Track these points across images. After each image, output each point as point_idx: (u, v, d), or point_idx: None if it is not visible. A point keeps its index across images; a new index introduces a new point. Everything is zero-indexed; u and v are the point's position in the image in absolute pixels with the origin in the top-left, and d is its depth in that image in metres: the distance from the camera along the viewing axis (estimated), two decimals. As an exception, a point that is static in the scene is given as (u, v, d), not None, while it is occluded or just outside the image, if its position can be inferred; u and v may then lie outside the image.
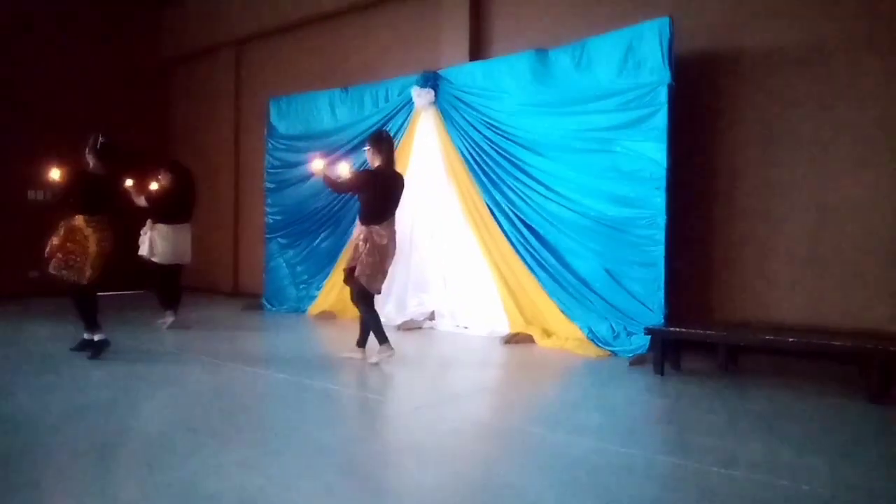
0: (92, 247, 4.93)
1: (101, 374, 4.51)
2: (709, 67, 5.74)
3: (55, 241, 4.91)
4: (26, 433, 3.20)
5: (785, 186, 5.42)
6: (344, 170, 5.26)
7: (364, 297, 4.98)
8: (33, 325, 6.76)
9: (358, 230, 5.00)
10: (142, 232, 6.58)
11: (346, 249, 4.99)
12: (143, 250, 6.53)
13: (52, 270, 4.89)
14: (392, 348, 4.89)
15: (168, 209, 6.50)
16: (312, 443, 3.15)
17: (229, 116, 10.41)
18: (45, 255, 4.92)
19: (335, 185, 5.17)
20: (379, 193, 4.95)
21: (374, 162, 4.99)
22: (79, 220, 4.95)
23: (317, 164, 5.15)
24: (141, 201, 6.46)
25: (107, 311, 5.53)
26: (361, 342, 5.12)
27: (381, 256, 4.88)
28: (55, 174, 5.15)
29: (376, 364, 4.89)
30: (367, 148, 5.06)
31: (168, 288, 6.77)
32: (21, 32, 9.45)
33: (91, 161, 5.09)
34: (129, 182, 6.24)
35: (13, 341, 5.87)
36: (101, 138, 5.09)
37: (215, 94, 10.64)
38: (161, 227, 6.49)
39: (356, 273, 4.86)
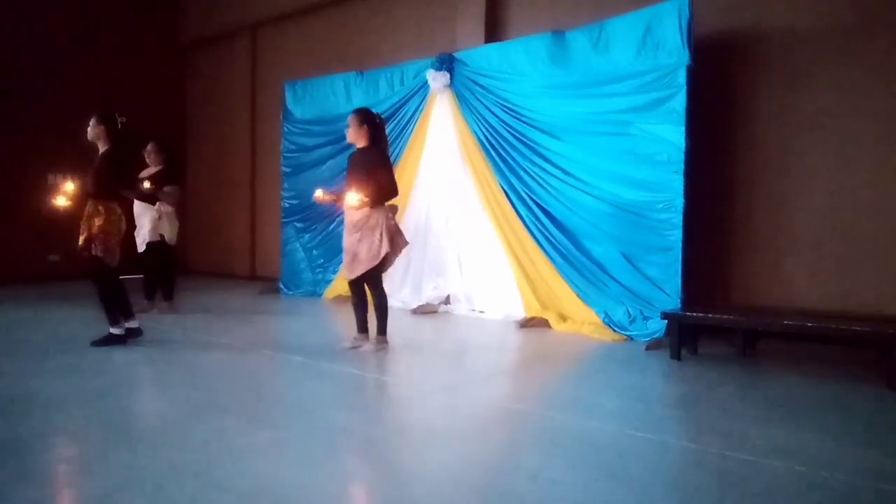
0: (124, 227, 4.90)
1: (119, 357, 4.57)
2: (728, 48, 5.65)
3: (98, 221, 4.72)
4: (47, 414, 3.26)
5: (804, 169, 5.34)
6: (353, 199, 4.63)
7: (381, 278, 4.94)
8: (53, 308, 6.85)
9: (381, 211, 4.71)
10: (141, 215, 6.42)
11: (373, 235, 4.69)
12: (153, 235, 6.37)
13: (97, 253, 4.71)
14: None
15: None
16: (329, 425, 3.18)
17: (245, 100, 10.44)
18: (87, 237, 4.73)
19: (384, 193, 4.72)
20: (392, 170, 4.91)
21: (360, 141, 4.80)
22: (112, 202, 4.83)
23: (352, 199, 4.59)
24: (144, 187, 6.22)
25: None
26: (382, 329, 4.96)
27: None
28: (69, 187, 4.94)
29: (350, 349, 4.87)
30: (358, 125, 4.77)
31: (172, 272, 6.70)
32: (39, 16, 9.51)
33: (107, 139, 4.88)
34: (147, 184, 6.12)
35: (34, 324, 5.96)
36: (121, 117, 4.94)
37: (232, 78, 10.66)
38: (169, 208, 6.44)
39: (393, 256, 4.81)
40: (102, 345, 4.81)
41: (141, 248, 6.46)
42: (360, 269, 4.76)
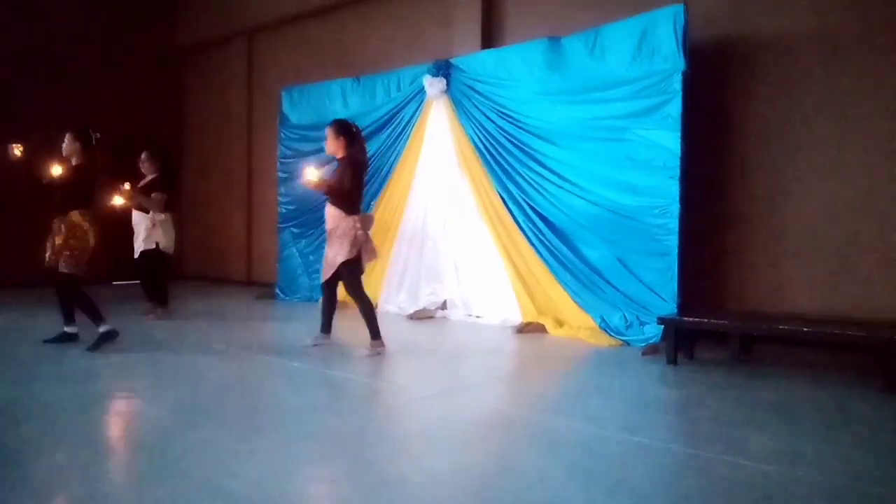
0: (92, 240, 4.96)
1: (115, 363, 4.56)
2: (723, 54, 5.68)
3: (59, 240, 4.87)
4: (41, 422, 3.24)
5: (800, 174, 5.37)
6: (313, 174, 4.78)
7: (360, 285, 5.01)
8: (47, 315, 6.82)
9: (348, 221, 4.81)
10: (138, 224, 6.44)
11: (338, 244, 4.83)
12: (148, 243, 6.37)
13: (64, 269, 4.84)
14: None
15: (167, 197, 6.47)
16: (326, 430, 3.17)
17: (242, 106, 10.45)
18: (50, 256, 4.88)
19: (343, 194, 4.83)
20: (360, 181, 5.03)
21: (339, 152, 4.94)
22: (75, 215, 4.90)
23: (311, 174, 4.72)
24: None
25: (115, 302, 5.53)
26: (374, 333, 4.94)
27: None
28: (56, 170, 5.00)
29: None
30: (335, 137, 4.91)
31: (163, 279, 6.71)
32: (36, 22, 9.51)
33: (80, 154, 5.00)
34: (126, 185, 6.12)
35: (27, 330, 5.93)
36: (95, 132, 5.07)
37: (228, 83, 10.67)
38: (164, 216, 6.45)
39: (364, 261, 4.92)
40: (97, 348, 4.83)
41: (136, 254, 6.47)
42: (325, 274, 4.92)
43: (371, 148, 7.54)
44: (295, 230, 8.41)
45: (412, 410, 3.76)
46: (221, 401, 3.76)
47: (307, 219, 8.25)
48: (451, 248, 6.96)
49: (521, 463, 2.83)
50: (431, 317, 6.85)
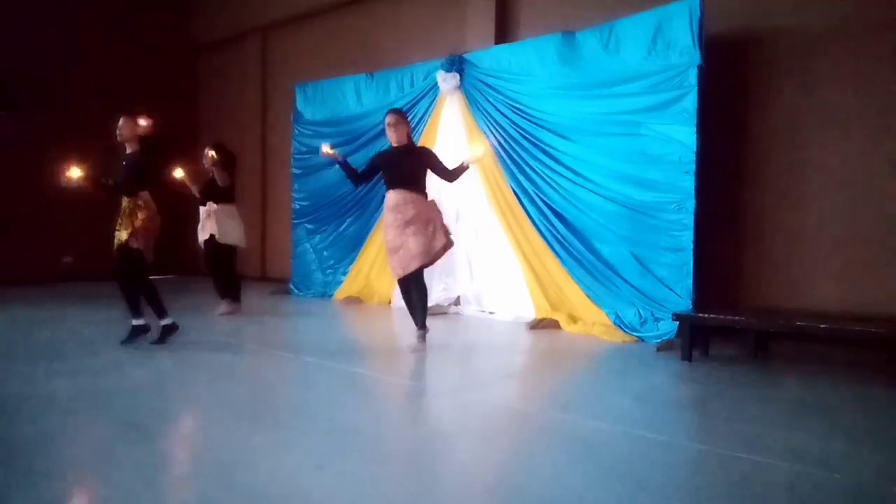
0: (159, 224, 4.94)
1: (137, 358, 4.60)
2: (740, 47, 5.63)
3: (140, 215, 4.79)
4: (60, 415, 3.28)
5: (816, 168, 5.31)
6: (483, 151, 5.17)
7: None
8: (69, 309, 6.91)
9: (433, 204, 5.06)
10: (205, 216, 6.53)
11: (434, 227, 4.95)
12: (202, 234, 6.50)
13: (137, 245, 4.78)
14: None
15: (232, 189, 6.57)
16: (342, 426, 3.18)
17: (256, 102, 10.50)
18: (129, 234, 4.77)
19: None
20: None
21: (405, 139, 5.04)
22: (146, 195, 4.88)
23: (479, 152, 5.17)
24: (195, 190, 6.49)
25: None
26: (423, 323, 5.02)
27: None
28: (76, 173, 4.91)
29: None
30: (408, 123, 5.11)
31: (229, 273, 6.76)
32: (51, 18, 9.59)
33: (139, 142, 4.97)
34: (180, 173, 6.19)
35: (51, 325, 6.01)
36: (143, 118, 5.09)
37: (242, 79, 10.72)
38: (228, 207, 6.53)
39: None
40: (163, 341, 4.94)
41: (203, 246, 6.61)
42: (412, 266, 4.83)
43: (385, 144, 7.56)
44: (309, 226, 8.45)
45: (427, 407, 3.77)
46: (237, 396, 3.78)
47: (321, 215, 8.29)
48: (464, 243, 6.95)
49: (535, 459, 2.82)
50: (444, 313, 6.86)
